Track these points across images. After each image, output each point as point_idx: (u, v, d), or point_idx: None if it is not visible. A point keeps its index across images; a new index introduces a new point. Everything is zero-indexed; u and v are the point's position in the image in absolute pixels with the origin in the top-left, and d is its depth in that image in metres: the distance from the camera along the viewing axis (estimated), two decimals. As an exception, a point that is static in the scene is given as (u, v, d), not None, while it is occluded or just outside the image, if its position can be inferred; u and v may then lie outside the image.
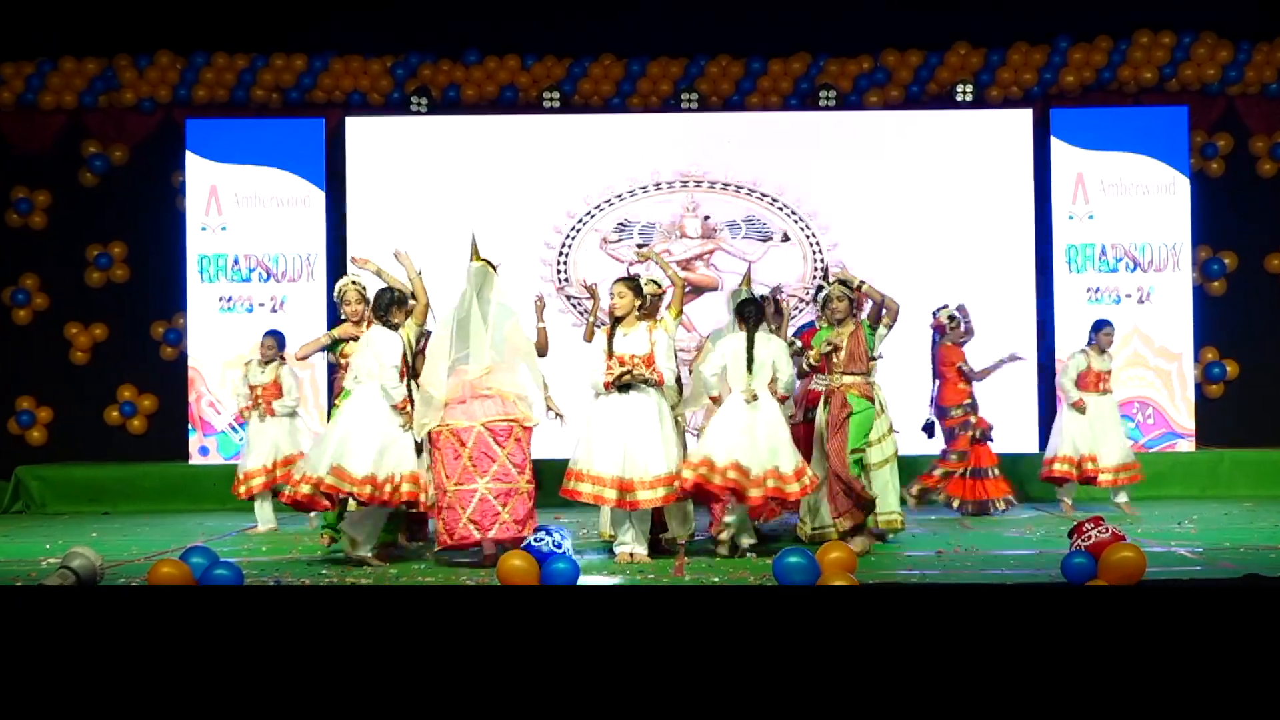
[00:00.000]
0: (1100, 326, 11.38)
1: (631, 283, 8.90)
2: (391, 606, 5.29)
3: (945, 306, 11.36)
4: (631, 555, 8.62)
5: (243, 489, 10.83)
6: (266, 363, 10.97)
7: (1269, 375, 13.00)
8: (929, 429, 11.05)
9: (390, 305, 8.67)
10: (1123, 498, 11.09)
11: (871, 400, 9.07)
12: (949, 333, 11.25)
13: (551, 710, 4.71)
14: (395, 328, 8.64)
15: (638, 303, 8.78)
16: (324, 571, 8.25)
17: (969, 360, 11.27)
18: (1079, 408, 11.12)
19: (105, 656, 4.87)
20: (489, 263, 8.87)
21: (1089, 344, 11.34)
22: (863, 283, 9.18)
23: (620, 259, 12.97)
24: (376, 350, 8.58)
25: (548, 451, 10.15)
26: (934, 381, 11.28)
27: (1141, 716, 4.82)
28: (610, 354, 8.63)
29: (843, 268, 10.45)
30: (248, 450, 11.01)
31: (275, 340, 11.03)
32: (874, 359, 9.15)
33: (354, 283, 9.44)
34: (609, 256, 13.22)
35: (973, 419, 11.26)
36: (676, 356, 9.23)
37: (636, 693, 4.74)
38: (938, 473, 11.26)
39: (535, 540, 7.30)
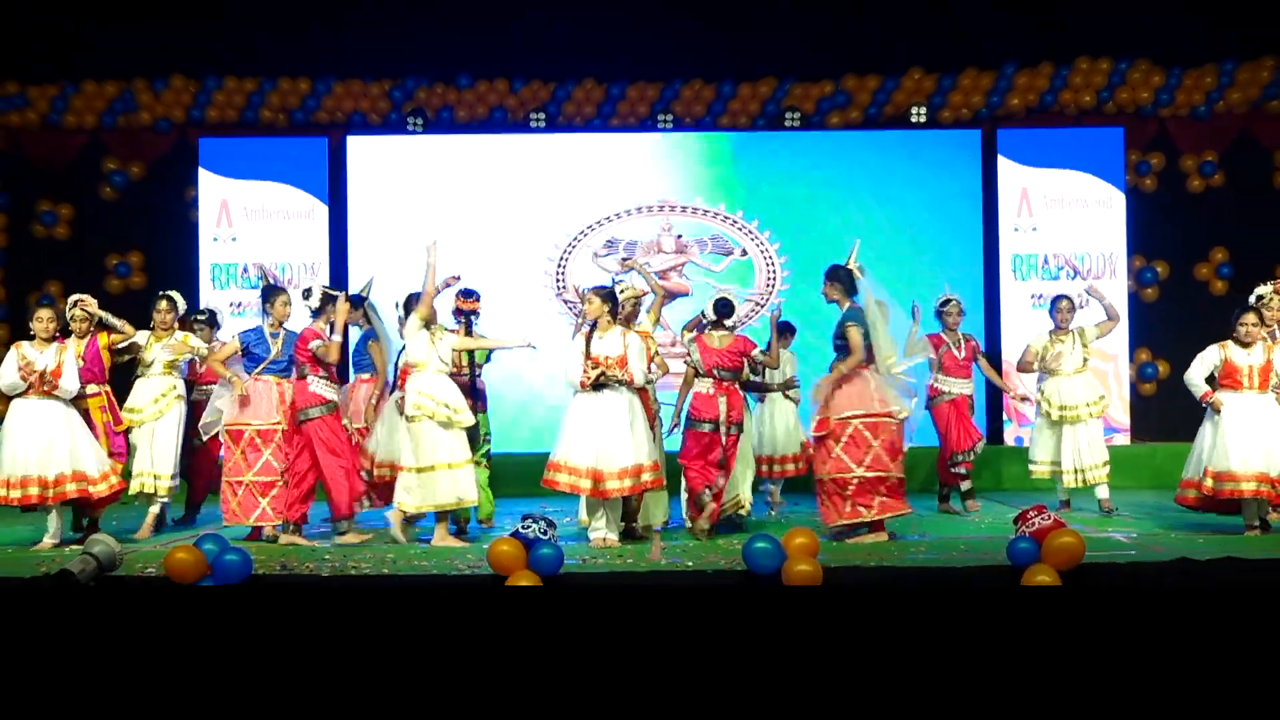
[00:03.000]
0: (1239, 314, 9.13)
1: (602, 291, 8.94)
2: (374, 601, 5.24)
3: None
4: (605, 540, 8.66)
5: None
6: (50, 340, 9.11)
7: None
8: None
9: None
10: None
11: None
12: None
13: (535, 701, 4.67)
14: None
15: (607, 308, 8.81)
16: (326, 556, 8.21)
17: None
18: (1210, 404, 9.01)
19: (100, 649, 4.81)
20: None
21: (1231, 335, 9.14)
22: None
23: (608, 270, 13.09)
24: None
25: (531, 445, 10.21)
26: None
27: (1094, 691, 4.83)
28: (587, 355, 8.68)
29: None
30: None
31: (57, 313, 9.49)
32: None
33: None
34: (599, 268, 13.30)
35: None
36: (658, 355, 9.37)
37: (611, 687, 4.71)
38: None
39: (523, 528, 7.29)
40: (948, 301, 10.56)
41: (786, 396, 10.54)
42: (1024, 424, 13.03)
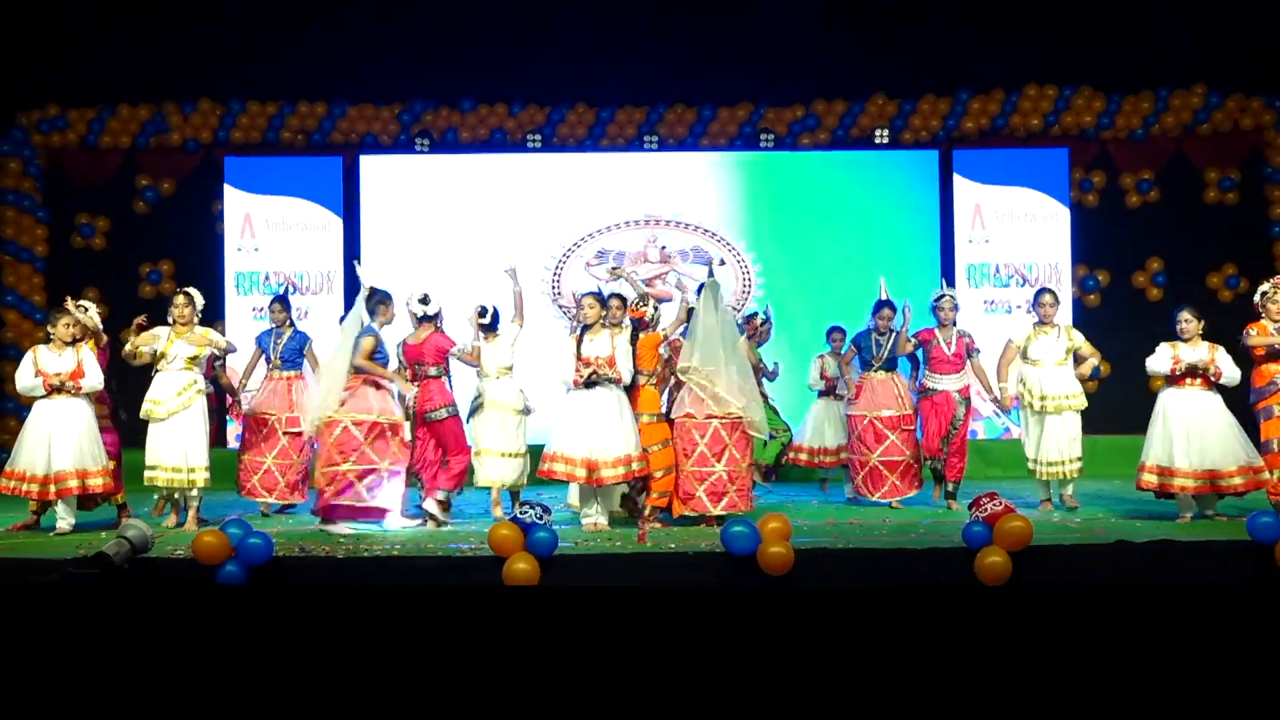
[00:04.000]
0: (1175, 314, 9.08)
1: (598, 297, 8.97)
2: (380, 601, 5.20)
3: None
4: (596, 525, 8.67)
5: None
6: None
7: (1136, 373, 12.99)
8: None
9: None
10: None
11: None
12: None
13: (527, 689, 4.62)
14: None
15: (604, 313, 8.84)
16: (341, 540, 8.19)
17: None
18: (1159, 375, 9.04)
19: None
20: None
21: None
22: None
23: (599, 278, 13.07)
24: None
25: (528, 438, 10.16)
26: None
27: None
28: (578, 356, 8.70)
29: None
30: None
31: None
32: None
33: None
34: (591, 276, 13.31)
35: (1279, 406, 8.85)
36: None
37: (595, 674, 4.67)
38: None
39: (520, 514, 7.29)
40: (941, 298, 9.99)
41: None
42: (976, 418, 13.05)
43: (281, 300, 10.00)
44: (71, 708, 4.56)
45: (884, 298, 10.04)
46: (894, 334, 9.94)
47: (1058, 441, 9.51)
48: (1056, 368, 9.59)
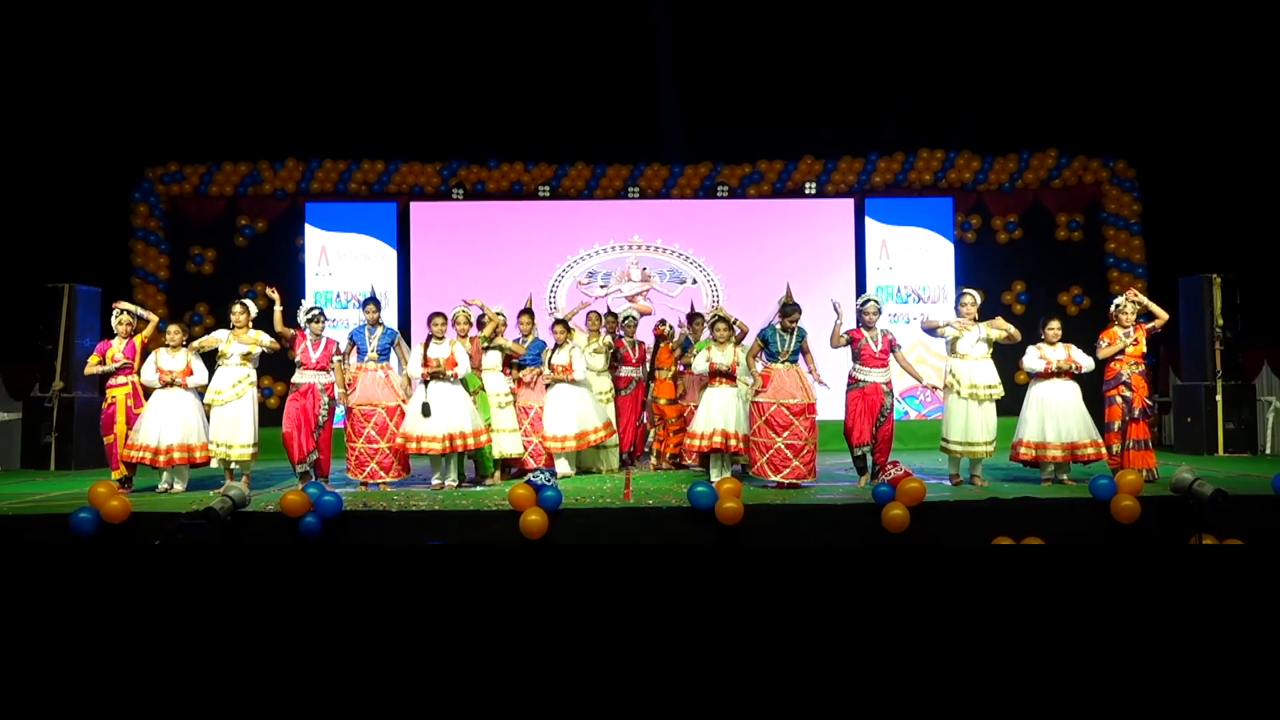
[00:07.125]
0: (1044, 322, 8.92)
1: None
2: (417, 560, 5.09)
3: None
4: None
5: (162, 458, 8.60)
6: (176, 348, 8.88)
7: (1004, 367, 13.11)
8: None
9: None
10: (1052, 472, 8.64)
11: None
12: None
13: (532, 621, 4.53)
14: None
15: (567, 335, 9.70)
16: (395, 497, 8.12)
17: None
18: (1030, 374, 8.80)
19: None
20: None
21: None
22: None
23: (588, 296, 13.07)
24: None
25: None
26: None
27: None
28: (549, 364, 9.47)
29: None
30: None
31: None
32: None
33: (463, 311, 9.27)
34: (581, 294, 13.25)
35: (1121, 396, 8.73)
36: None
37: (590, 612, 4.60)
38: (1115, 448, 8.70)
39: (534, 476, 7.27)
40: (866, 302, 8.89)
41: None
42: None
43: (373, 301, 9.18)
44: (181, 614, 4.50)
45: (791, 301, 8.91)
46: (798, 330, 8.78)
47: (983, 425, 8.58)
48: (980, 360, 8.69)
